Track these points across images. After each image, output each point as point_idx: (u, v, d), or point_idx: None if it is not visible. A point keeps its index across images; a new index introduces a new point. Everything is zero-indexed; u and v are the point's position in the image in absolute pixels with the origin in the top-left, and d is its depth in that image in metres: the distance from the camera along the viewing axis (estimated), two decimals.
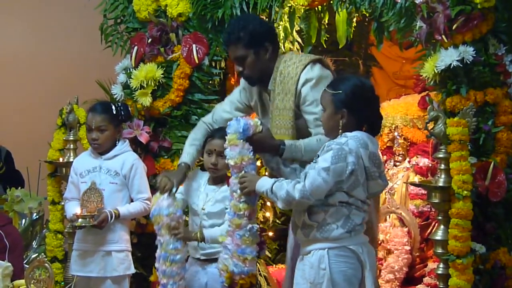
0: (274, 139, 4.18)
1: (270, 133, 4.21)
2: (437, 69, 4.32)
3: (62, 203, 5.21)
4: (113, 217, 4.77)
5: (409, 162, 5.77)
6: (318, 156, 3.82)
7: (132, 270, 4.92)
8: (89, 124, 4.87)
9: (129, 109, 5.09)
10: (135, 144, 5.27)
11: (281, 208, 4.08)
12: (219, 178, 4.58)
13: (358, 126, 3.86)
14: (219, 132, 4.46)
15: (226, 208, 4.24)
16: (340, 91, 3.86)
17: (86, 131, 4.93)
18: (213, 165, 4.53)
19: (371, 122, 3.91)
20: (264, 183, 3.92)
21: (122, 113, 4.95)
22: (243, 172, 4.04)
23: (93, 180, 4.78)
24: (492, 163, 4.22)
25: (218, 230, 4.38)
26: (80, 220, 4.72)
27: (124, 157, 4.92)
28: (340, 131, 3.85)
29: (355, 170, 3.75)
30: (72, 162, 5.10)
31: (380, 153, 4.03)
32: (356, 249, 3.82)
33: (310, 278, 3.86)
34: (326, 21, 5.45)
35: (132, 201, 4.91)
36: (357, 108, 3.85)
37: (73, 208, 4.84)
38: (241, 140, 4.05)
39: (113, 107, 4.93)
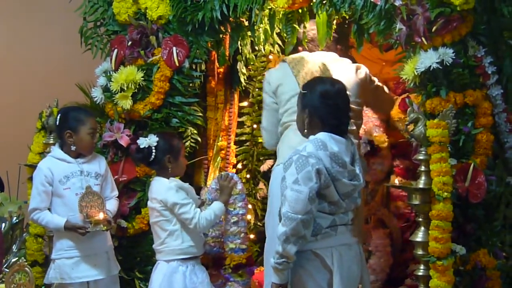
0: None
1: None
2: (417, 71, 4.33)
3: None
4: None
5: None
6: (285, 178, 3.81)
7: (119, 267, 4.95)
8: (96, 128, 4.84)
9: None
10: (116, 147, 5.27)
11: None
12: None
13: (323, 126, 3.92)
14: None
15: None
16: (306, 92, 3.98)
17: (87, 134, 4.75)
18: None
19: (335, 125, 3.94)
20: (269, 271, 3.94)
21: None
22: None
23: (88, 185, 4.72)
24: (472, 165, 4.23)
25: None
26: (101, 225, 4.66)
27: (98, 159, 4.93)
28: (306, 130, 3.97)
29: (320, 169, 3.75)
30: None
31: (354, 151, 4.00)
32: (321, 253, 3.83)
33: None
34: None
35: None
36: (319, 111, 3.92)
37: (57, 218, 4.67)
38: None
39: None
